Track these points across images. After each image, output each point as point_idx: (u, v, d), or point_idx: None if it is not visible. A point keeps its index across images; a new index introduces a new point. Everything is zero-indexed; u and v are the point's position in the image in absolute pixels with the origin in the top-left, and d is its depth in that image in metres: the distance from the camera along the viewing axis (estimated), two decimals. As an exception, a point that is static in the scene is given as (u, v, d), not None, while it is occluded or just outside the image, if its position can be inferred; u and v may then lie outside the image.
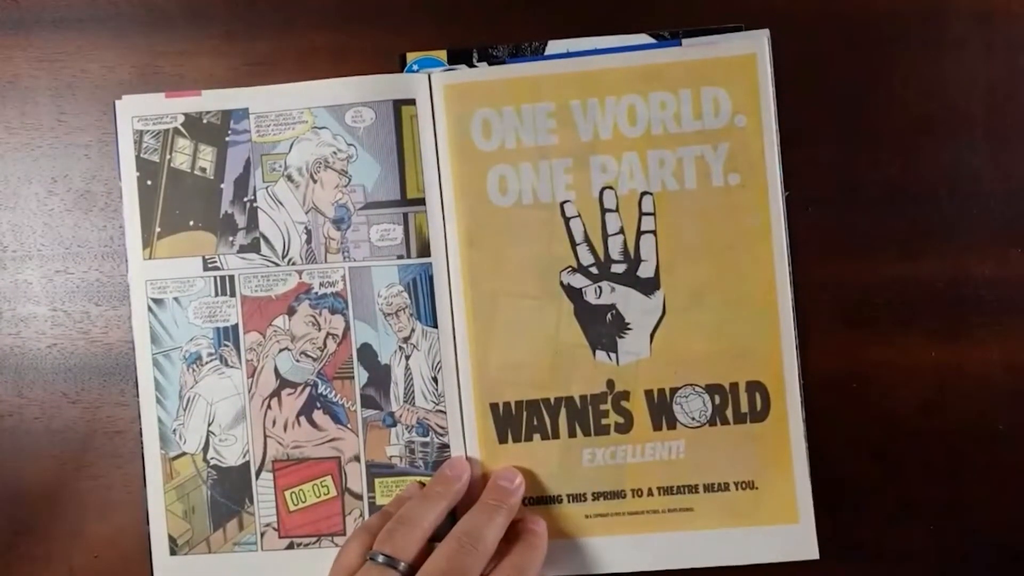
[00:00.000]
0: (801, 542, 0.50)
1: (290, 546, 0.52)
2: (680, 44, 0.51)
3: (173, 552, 0.52)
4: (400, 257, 0.52)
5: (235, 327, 0.52)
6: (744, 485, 0.51)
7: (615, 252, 0.51)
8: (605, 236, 0.51)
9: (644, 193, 0.51)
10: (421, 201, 0.52)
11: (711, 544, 0.50)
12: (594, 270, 0.51)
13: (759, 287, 0.51)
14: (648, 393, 0.51)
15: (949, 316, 0.51)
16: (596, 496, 0.51)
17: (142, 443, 0.52)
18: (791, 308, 0.50)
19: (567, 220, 0.51)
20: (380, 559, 0.44)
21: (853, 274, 0.51)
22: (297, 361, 0.52)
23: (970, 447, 0.51)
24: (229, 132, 0.52)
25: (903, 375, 0.51)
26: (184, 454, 0.52)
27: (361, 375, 0.52)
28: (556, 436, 0.51)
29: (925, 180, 0.51)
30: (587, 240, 0.51)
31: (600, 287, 0.51)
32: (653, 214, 0.51)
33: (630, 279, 0.51)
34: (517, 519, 0.49)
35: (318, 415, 0.52)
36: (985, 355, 0.51)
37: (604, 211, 0.51)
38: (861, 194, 0.51)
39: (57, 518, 0.53)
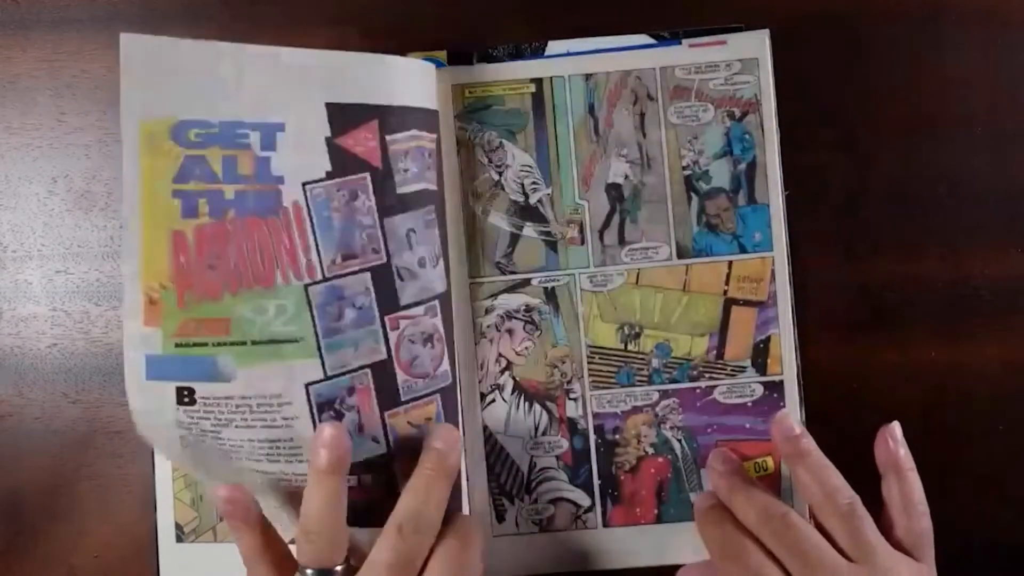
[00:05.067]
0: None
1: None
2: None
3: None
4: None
5: (235, 327, 0.52)
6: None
7: (615, 252, 0.51)
8: (605, 236, 0.51)
9: (644, 193, 0.51)
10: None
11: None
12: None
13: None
14: (648, 393, 0.51)
15: (949, 316, 0.51)
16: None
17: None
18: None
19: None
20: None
21: (853, 274, 0.51)
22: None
23: (970, 447, 0.51)
24: (229, 132, 0.52)
25: (903, 375, 0.51)
26: (190, 447, 0.52)
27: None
28: (556, 436, 0.51)
29: (925, 180, 0.51)
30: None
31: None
32: (653, 214, 0.51)
33: (630, 279, 0.51)
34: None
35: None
36: (985, 355, 0.51)
37: (604, 211, 0.51)
38: (861, 194, 0.51)
39: (57, 518, 0.53)
